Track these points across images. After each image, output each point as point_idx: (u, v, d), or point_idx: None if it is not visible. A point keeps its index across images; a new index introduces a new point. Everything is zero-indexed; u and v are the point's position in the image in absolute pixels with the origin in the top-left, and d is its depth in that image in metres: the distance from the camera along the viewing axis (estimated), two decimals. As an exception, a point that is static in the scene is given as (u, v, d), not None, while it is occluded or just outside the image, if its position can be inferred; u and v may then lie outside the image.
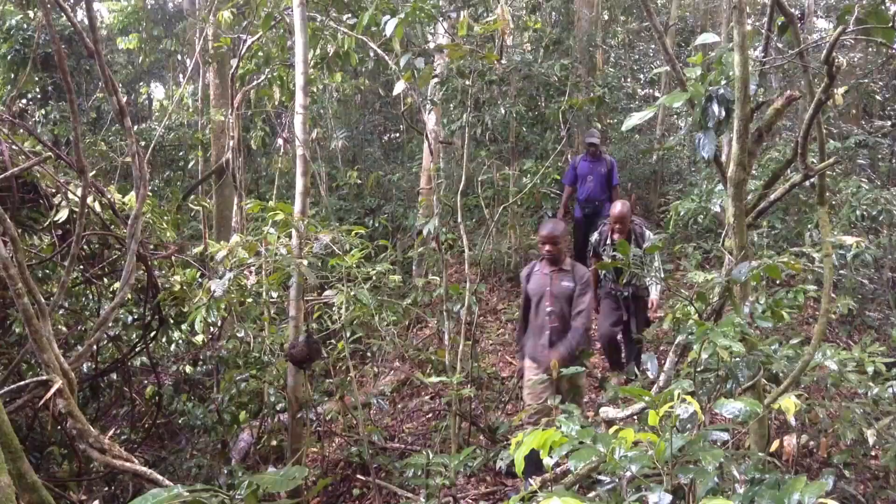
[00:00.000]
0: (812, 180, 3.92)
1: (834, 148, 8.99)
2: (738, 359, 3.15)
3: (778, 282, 7.13)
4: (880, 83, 12.59)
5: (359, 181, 12.47)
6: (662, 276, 6.45)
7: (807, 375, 4.41)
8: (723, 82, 3.51)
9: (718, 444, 2.34)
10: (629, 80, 15.03)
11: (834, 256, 5.97)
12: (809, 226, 7.60)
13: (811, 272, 6.10)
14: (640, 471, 2.22)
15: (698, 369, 3.10)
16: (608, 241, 6.82)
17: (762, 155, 9.08)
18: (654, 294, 6.83)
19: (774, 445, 4.37)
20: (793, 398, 2.28)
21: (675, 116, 14.44)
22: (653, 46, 15.23)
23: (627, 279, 6.20)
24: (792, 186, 3.96)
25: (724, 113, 3.42)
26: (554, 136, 10.46)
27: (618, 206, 6.68)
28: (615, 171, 9.00)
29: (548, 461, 2.23)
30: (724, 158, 5.31)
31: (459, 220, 6.53)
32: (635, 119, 3.50)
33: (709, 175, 9.69)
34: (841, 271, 7.28)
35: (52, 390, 3.15)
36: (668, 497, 2.07)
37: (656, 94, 14.53)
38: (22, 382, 3.78)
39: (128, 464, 3.38)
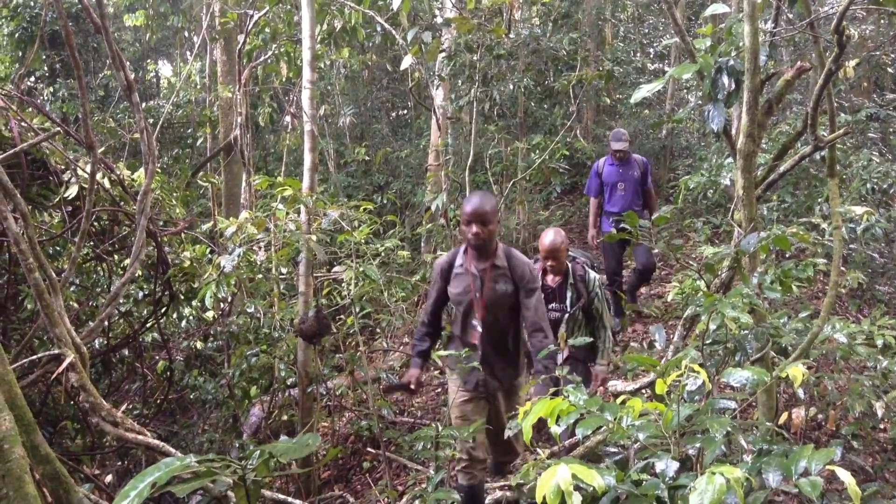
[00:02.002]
0: (822, 153, 3.90)
1: (845, 121, 8.89)
2: (746, 331, 3.15)
3: (787, 255, 7.12)
4: (892, 56, 12.43)
5: (367, 157, 12.46)
6: (611, 341, 5.03)
7: (816, 348, 4.42)
8: (733, 53, 3.49)
9: (726, 413, 2.35)
10: (638, 54, 14.88)
11: (844, 230, 5.95)
12: (819, 199, 7.57)
13: (821, 246, 6.09)
14: (648, 440, 2.23)
15: (706, 341, 3.10)
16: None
17: (772, 128, 9.02)
18: (599, 364, 5.00)
19: (783, 418, 4.39)
20: (801, 367, 2.28)
21: (685, 91, 14.32)
22: (662, 20, 15.05)
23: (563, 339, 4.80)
24: (802, 158, 3.94)
25: (733, 84, 3.39)
26: (563, 111, 10.41)
27: (549, 235, 4.94)
28: (649, 171, 7.66)
29: (555, 430, 2.25)
30: (733, 131, 5.30)
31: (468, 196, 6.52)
32: (644, 91, 3.48)
33: (718, 149, 9.64)
34: (851, 245, 7.25)
35: (65, 364, 3.17)
36: (675, 465, 2.08)
37: (666, 68, 14.39)
38: (35, 357, 3.83)
39: (140, 437, 3.41)
